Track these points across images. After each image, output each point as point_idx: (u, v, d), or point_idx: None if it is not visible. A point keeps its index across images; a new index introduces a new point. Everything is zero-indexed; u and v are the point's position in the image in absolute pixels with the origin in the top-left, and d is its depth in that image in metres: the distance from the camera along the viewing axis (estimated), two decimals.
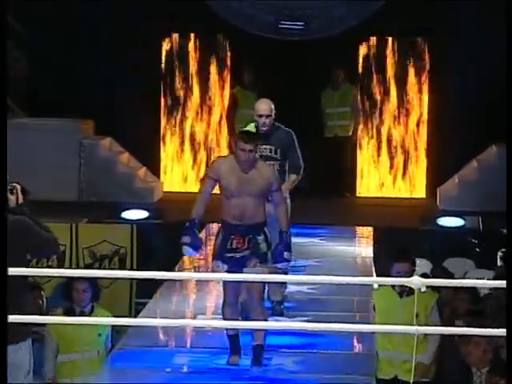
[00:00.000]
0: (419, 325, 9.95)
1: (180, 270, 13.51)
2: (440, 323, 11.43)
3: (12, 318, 6.99)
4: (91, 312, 11.97)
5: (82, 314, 11.81)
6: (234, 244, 9.85)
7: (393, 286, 11.04)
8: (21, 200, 9.29)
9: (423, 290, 7.07)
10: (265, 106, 8.62)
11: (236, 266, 9.72)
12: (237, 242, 9.75)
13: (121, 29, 21.12)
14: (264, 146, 8.75)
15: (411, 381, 10.25)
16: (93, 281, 12.09)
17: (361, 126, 22.45)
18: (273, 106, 8.68)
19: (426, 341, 11.24)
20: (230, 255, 9.97)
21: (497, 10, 20.16)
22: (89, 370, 11.88)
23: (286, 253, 10.37)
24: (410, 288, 9.38)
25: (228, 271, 9.83)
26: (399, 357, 11.30)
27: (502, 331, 7.36)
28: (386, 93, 22.69)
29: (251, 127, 8.75)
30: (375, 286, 10.25)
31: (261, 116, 8.61)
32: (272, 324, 10.87)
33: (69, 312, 11.83)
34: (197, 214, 10.68)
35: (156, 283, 15.30)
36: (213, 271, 10.65)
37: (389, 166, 22.72)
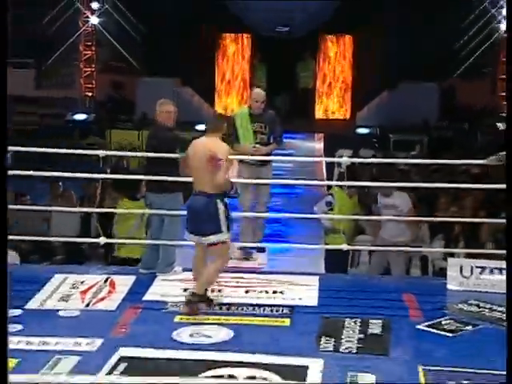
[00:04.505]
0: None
1: None
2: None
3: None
4: None
5: None
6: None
7: (342, 188, 8.34)
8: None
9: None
10: (260, 94, 7.05)
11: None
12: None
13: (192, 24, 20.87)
14: (258, 124, 6.95)
15: None
16: None
17: (317, 82, 22.58)
18: (264, 94, 7.06)
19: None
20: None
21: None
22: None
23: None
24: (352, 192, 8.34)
25: None
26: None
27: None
28: (330, 62, 22.72)
29: (244, 109, 7.15)
30: (335, 188, 8.31)
31: (257, 101, 6.97)
32: None
33: None
34: None
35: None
36: None
37: (332, 102, 22.82)
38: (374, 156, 15.62)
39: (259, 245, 7.00)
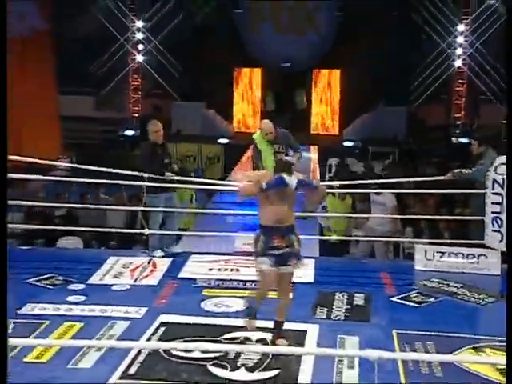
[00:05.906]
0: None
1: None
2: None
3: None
4: None
5: None
6: (275, 243, 4.22)
7: (334, 195, 7.92)
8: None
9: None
10: (269, 127, 6.18)
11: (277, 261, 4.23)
12: (277, 241, 4.21)
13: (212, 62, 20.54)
14: (276, 145, 6.14)
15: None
16: None
17: (311, 103, 22.39)
18: (272, 125, 6.19)
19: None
20: (271, 252, 4.21)
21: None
22: None
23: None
24: (343, 195, 8.05)
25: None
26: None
27: None
28: (323, 90, 22.55)
29: (257, 135, 6.29)
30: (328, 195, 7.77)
31: (267, 134, 6.13)
32: None
33: None
34: None
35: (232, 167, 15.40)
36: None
37: (323, 120, 22.63)
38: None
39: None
